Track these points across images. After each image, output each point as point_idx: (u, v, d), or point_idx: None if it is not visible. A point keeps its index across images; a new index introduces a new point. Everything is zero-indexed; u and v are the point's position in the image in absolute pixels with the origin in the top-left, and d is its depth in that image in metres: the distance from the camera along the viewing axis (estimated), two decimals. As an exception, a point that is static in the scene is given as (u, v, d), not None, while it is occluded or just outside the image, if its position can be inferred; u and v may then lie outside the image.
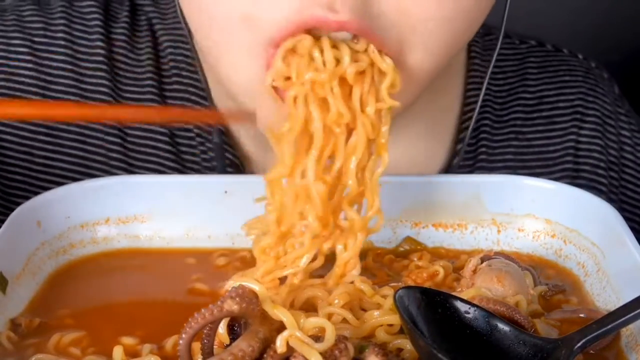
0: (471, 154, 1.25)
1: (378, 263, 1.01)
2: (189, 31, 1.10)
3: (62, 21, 1.21)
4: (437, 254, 1.03)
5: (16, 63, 1.18)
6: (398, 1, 0.90)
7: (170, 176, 1.15)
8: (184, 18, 1.06)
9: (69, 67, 1.19)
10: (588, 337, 0.79)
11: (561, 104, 1.30)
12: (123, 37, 1.22)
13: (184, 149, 1.21)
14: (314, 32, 0.89)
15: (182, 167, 1.20)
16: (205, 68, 1.17)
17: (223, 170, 1.16)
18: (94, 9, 1.23)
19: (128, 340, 0.86)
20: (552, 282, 0.97)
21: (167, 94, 1.22)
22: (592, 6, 2.19)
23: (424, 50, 0.94)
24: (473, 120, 1.19)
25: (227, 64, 0.98)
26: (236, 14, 0.91)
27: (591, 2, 2.20)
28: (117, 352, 0.82)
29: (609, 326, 0.79)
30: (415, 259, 1.00)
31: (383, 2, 0.90)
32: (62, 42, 1.20)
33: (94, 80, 1.20)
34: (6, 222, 0.95)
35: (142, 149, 1.20)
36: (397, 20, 0.91)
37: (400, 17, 0.91)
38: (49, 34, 1.20)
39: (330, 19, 0.87)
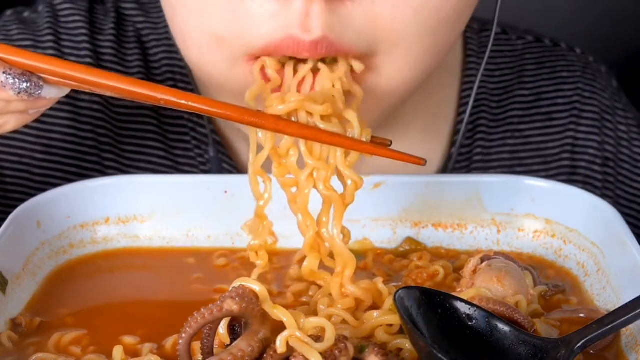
0: (466, 155, 1.25)
1: (378, 263, 1.01)
2: None
3: (50, 37, 1.20)
4: (437, 254, 1.03)
5: None
6: (370, 13, 0.87)
7: (170, 176, 1.15)
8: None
9: None
10: (588, 337, 0.79)
11: (559, 100, 1.29)
12: (110, 51, 1.22)
13: (181, 160, 1.21)
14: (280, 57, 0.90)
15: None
16: (196, 78, 1.17)
17: None
18: (80, 24, 1.22)
19: (128, 340, 0.87)
20: (552, 282, 0.97)
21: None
22: (595, 4, 2.19)
23: (402, 62, 0.93)
24: (464, 122, 1.17)
25: (211, 75, 0.98)
26: (206, 35, 0.92)
27: (594, 1, 2.20)
28: (117, 351, 0.82)
29: (609, 326, 0.79)
30: (415, 259, 1.00)
31: (355, 17, 0.87)
32: None
33: (87, 97, 1.19)
34: (6, 222, 0.95)
35: (137, 163, 1.20)
36: (371, 35, 0.89)
37: (375, 32, 0.89)
38: (38, 51, 1.18)
39: (306, 40, 0.86)
